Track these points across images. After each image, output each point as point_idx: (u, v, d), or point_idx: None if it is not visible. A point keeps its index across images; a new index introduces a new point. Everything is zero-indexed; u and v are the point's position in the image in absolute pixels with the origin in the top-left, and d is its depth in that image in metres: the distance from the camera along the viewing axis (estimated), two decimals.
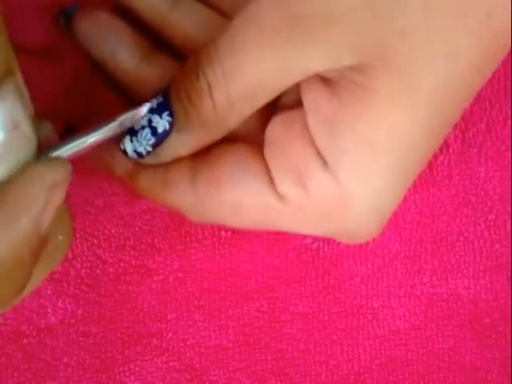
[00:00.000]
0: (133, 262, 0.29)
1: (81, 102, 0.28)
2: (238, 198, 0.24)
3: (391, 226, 0.29)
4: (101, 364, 0.28)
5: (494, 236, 0.30)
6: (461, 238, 0.30)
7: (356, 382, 0.29)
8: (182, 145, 0.24)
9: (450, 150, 0.29)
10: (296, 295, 0.29)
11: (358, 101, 0.21)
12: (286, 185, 0.23)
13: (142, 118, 0.24)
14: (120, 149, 0.25)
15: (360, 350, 0.29)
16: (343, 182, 0.22)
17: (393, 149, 0.21)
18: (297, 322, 0.29)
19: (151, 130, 0.24)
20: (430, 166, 0.29)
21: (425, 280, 0.29)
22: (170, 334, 0.29)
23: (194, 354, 0.29)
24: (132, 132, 0.24)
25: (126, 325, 0.29)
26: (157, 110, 0.24)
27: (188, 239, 0.29)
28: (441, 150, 0.29)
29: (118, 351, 0.28)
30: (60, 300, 0.28)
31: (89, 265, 0.28)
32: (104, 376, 0.28)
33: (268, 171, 0.23)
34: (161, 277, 0.29)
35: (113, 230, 0.28)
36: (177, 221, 0.29)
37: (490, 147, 0.29)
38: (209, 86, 0.22)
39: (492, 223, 0.30)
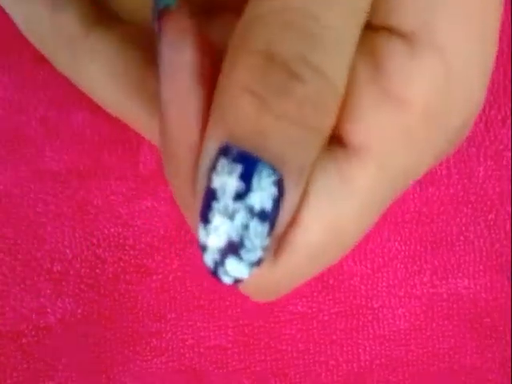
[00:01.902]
0: (132, 261, 0.29)
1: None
2: None
3: (391, 226, 0.29)
4: (100, 364, 0.28)
5: (493, 236, 0.30)
6: (461, 237, 0.30)
7: (356, 381, 0.29)
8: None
9: None
10: (295, 295, 0.29)
11: None
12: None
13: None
14: (220, 281, 0.17)
15: (360, 350, 0.29)
16: (444, 47, 0.17)
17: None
18: (296, 321, 0.29)
19: (260, 220, 0.16)
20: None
21: (425, 280, 0.29)
22: (170, 334, 0.29)
23: (193, 354, 0.29)
24: (233, 249, 0.16)
25: (125, 324, 0.28)
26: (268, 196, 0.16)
27: (187, 238, 0.29)
28: None
29: (118, 351, 0.28)
30: (59, 300, 0.28)
31: (88, 264, 0.28)
32: (103, 376, 0.28)
33: None
34: (160, 276, 0.29)
35: (112, 230, 0.28)
36: (176, 220, 0.29)
37: (489, 147, 0.30)
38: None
39: (492, 223, 0.30)
